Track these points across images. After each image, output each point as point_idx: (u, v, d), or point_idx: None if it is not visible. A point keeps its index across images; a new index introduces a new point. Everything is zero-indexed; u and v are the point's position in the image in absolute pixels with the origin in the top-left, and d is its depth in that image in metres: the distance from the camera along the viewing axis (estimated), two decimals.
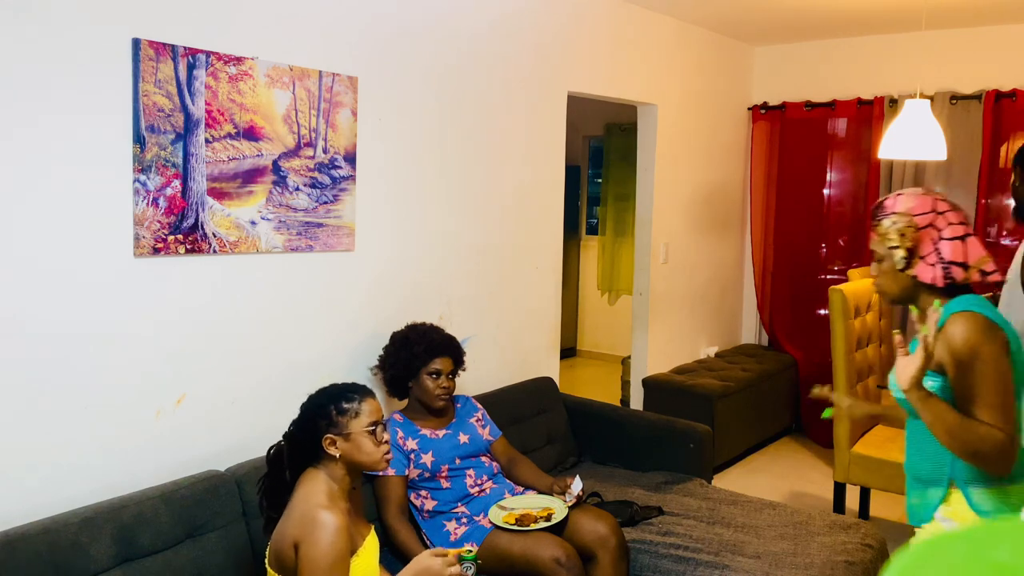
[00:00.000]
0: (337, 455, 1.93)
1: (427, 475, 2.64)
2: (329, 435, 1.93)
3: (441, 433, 2.73)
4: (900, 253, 1.78)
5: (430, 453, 2.66)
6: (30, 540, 1.90)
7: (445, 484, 2.67)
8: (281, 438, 2.02)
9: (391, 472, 2.58)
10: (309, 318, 2.73)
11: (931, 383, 1.71)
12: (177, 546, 2.15)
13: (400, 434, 2.67)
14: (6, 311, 2.01)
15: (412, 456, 2.65)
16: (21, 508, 2.03)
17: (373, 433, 1.97)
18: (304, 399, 2.03)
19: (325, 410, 1.96)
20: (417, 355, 2.72)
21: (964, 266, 1.75)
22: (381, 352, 2.83)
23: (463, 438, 2.76)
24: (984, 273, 1.75)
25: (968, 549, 0.48)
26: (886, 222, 1.80)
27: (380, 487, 2.57)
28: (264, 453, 2.45)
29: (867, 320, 3.76)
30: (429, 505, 2.65)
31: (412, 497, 2.67)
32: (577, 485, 2.67)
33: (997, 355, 1.66)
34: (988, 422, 1.63)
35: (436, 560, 1.91)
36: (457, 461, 2.70)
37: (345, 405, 1.96)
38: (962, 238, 1.76)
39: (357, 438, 1.95)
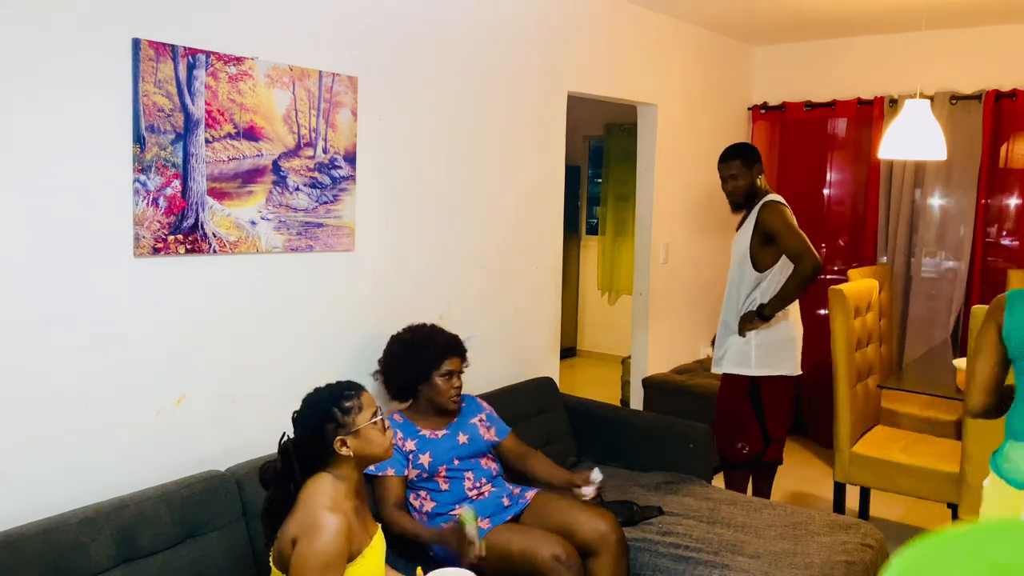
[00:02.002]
0: (350, 454, 1.93)
1: (425, 475, 2.64)
2: (339, 437, 1.92)
3: (440, 433, 2.72)
4: None
5: (428, 453, 2.65)
6: (30, 540, 1.90)
7: (443, 485, 2.66)
8: (278, 455, 1.97)
9: (390, 472, 2.58)
10: (309, 318, 2.73)
11: None
12: (177, 546, 2.15)
13: (399, 435, 2.66)
14: (6, 311, 2.01)
15: (410, 456, 2.64)
16: (21, 508, 2.03)
17: (376, 423, 1.98)
18: (300, 405, 2.00)
19: (329, 413, 1.94)
20: (428, 359, 2.68)
21: None
22: (380, 357, 2.80)
23: (462, 439, 2.75)
24: None
25: (968, 549, 0.48)
26: None
27: (379, 486, 2.57)
28: (263, 453, 2.47)
29: (867, 320, 3.76)
30: (428, 506, 2.64)
31: (412, 498, 2.66)
32: (597, 475, 2.66)
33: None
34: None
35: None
36: (455, 462, 2.69)
37: (347, 404, 1.96)
38: None
39: (365, 432, 1.95)
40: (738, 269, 3.52)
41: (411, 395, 2.75)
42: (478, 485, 2.71)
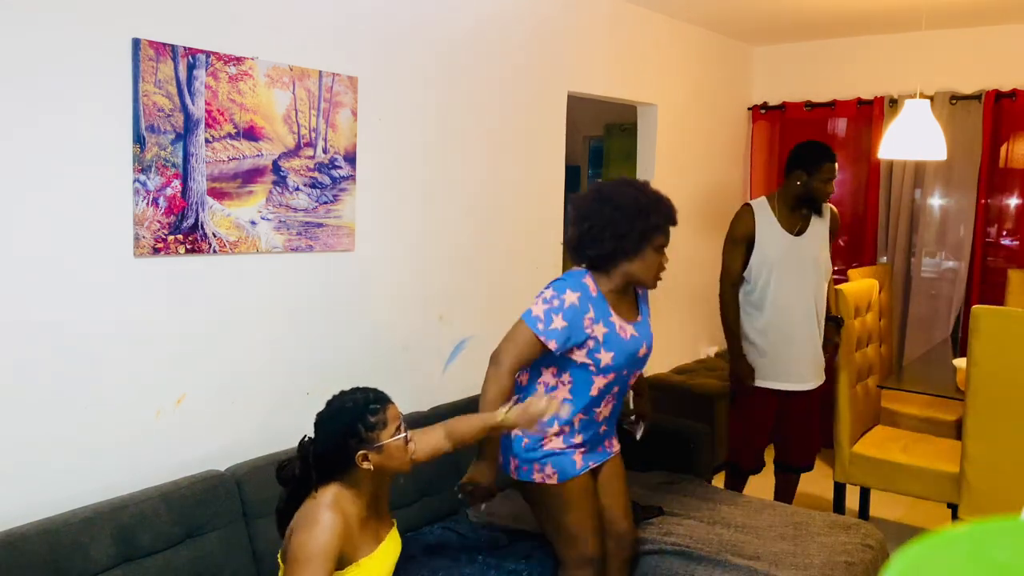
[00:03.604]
0: (371, 468, 1.91)
1: (593, 370, 2.22)
2: (362, 451, 1.90)
3: (628, 332, 2.26)
4: None
5: (611, 354, 2.22)
6: (30, 540, 1.90)
7: (594, 391, 2.25)
8: (298, 459, 1.94)
9: (543, 339, 2.16)
10: (309, 318, 2.73)
11: None
12: (177, 546, 2.15)
13: (590, 311, 2.20)
14: (6, 311, 2.01)
15: (590, 343, 2.19)
16: (21, 508, 2.03)
17: (398, 439, 1.95)
18: (325, 409, 1.96)
19: (354, 429, 1.90)
20: (652, 227, 2.21)
21: None
22: (580, 215, 2.26)
23: (644, 349, 2.31)
24: None
25: (968, 549, 0.48)
26: None
27: (518, 334, 2.19)
28: (263, 453, 2.47)
29: (867, 320, 3.76)
30: (564, 411, 2.22)
31: (551, 375, 2.28)
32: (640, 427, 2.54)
33: None
34: None
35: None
36: (624, 373, 2.27)
37: (372, 419, 1.92)
38: None
39: (388, 448, 1.93)
40: (817, 275, 3.35)
41: (608, 266, 2.26)
42: (610, 400, 2.33)
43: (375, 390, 2.00)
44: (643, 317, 2.37)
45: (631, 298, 2.35)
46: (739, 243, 3.37)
